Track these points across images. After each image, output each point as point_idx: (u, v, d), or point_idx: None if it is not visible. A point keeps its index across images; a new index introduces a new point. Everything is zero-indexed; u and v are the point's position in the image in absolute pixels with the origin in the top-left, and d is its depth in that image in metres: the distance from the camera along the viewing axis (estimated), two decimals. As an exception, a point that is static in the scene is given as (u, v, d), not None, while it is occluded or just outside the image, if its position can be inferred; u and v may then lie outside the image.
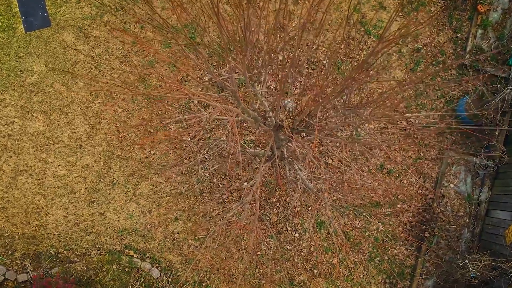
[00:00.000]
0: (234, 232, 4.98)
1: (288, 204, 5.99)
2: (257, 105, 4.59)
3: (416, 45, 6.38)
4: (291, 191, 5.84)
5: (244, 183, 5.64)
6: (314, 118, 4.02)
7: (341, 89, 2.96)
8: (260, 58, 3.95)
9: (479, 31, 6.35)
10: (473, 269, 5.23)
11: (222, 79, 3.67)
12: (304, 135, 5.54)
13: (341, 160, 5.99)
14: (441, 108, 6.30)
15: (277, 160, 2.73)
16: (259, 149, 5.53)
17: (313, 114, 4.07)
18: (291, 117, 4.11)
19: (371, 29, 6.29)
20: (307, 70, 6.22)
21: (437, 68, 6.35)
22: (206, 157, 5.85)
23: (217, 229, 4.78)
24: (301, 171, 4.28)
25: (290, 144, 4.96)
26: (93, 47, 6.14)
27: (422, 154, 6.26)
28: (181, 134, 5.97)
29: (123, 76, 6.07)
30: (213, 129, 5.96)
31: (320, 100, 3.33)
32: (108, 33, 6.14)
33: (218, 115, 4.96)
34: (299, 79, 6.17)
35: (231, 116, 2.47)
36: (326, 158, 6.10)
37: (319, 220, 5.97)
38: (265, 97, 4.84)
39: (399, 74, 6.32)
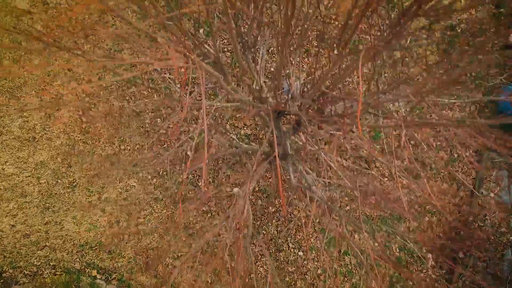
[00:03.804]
0: (219, 255, 3.82)
1: (291, 214, 4.83)
2: (253, 84, 3.43)
3: (449, 21, 5.21)
4: (295, 199, 4.68)
5: (235, 189, 4.47)
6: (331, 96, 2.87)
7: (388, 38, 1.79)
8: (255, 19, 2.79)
9: (527, 6, 5.19)
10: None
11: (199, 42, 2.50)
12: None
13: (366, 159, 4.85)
14: (480, 99, 5.13)
15: (277, 160, 1.63)
16: (254, 144, 4.37)
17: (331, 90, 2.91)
18: (300, 94, 2.94)
19: None
20: (316, 49, 5.05)
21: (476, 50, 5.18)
22: (189, 153, 4.69)
23: (197, 249, 3.64)
24: (307, 173, 3.13)
25: (296, 139, 3.81)
26: (52, 16, 4.97)
27: (455, 155, 5.10)
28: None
29: (88, 52, 4.90)
30: (198, 119, 4.79)
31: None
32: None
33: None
34: (306, 60, 5.02)
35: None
36: (341, 157, 4.94)
37: (329, 236, 4.80)
38: (263, 78, 3.68)
39: (430, 58, 5.15)
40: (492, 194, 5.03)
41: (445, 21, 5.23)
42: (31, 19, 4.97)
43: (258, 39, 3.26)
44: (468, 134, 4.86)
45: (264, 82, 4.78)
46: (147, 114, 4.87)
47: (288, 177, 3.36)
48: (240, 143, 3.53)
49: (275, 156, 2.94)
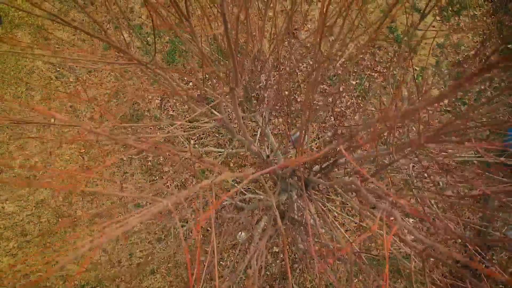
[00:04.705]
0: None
1: (295, 255, 4.76)
2: (257, 143, 3.35)
3: (457, 57, 5.15)
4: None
5: (240, 233, 4.41)
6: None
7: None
8: (262, 73, 2.73)
9: (536, 42, 5.12)
10: None
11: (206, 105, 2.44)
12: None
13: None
14: (487, 137, 5.07)
15: (286, 258, 1.54)
16: (258, 192, 4.30)
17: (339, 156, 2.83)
18: (308, 166, 2.88)
19: (402, 36, 5.06)
20: (321, 86, 4.99)
21: (482, 87, 5.12)
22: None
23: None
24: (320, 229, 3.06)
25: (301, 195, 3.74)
26: (54, 52, 4.91)
27: (461, 193, 5.03)
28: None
29: (90, 89, 4.85)
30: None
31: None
32: (74, 35, 4.91)
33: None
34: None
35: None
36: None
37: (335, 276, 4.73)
38: (267, 124, 3.60)
39: (435, 92, 5.08)
40: (498, 233, 4.95)
41: (453, 58, 5.16)
42: (32, 54, 4.90)
43: (266, 91, 3.19)
44: (475, 173, 4.74)
45: (270, 118, 4.69)
46: (150, 153, 4.80)
47: (295, 238, 3.29)
48: (246, 197, 3.46)
49: (283, 218, 2.85)
